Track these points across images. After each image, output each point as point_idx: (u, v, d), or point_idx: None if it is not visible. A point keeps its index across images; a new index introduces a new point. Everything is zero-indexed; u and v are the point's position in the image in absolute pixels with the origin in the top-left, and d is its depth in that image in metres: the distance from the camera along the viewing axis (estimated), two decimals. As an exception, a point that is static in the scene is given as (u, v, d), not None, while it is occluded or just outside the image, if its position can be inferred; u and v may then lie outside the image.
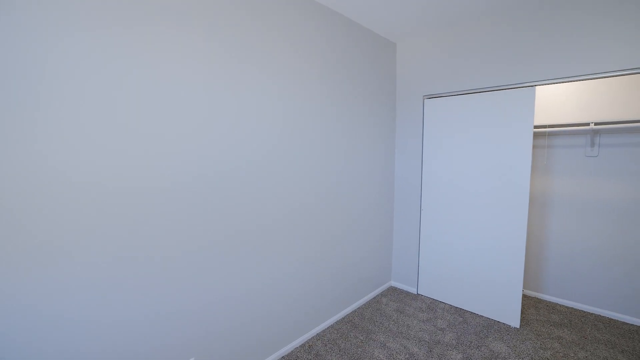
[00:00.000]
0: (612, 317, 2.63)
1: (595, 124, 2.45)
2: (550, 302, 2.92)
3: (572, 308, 2.81)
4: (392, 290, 3.25)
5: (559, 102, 2.78)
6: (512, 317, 2.56)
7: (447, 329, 2.55)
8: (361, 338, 2.44)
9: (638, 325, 2.52)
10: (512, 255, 2.52)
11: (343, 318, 2.72)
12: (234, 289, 1.88)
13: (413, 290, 3.18)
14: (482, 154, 2.62)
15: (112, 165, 1.34)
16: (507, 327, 2.55)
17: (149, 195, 1.46)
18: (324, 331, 2.53)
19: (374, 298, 3.08)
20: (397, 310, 2.85)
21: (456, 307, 2.88)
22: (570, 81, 2.19)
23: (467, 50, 2.64)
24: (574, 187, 2.73)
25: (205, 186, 1.68)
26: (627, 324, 2.55)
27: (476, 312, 2.76)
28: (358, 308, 2.88)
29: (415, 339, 2.43)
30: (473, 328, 2.55)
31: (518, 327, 2.54)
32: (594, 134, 2.58)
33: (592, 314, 2.71)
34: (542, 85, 2.32)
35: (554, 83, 2.26)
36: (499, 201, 2.55)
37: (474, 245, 2.73)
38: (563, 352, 2.23)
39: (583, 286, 2.75)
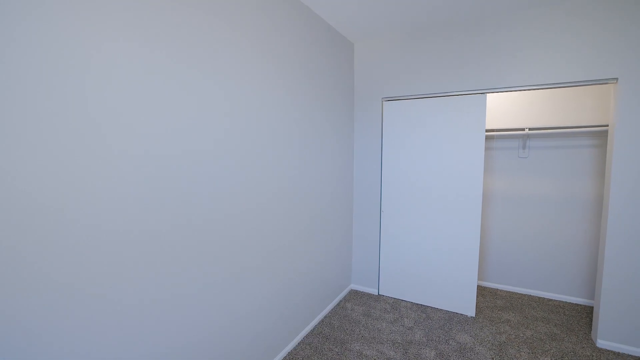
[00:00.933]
0: (540, 296, 3.05)
1: (530, 129, 2.80)
2: (492, 288, 3.26)
3: (510, 292, 3.17)
4: (354, 293, 3.21)
5: (501, 109, 3.11)
6: (468, 308, 2.75)
7: (415, 327, 2.61)
8: (336, 350, 2.32)
9: (561, 300, 2.97)
10: (467, 249, 2.71)
11: (312, 330, 2.56)
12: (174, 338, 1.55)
13: (374, 292, 3.19)
14: (440, 156, 2.75)
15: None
16: (465, 318, 2.73)
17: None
18: (295, 349, 2.33)
19: (339, 304, 2.99)
20: (364, 314, 2.81)
21: (418, 304, 2.98)
22: (512, 90, 2.44)
23: (425, 55, 2.74)
24: (509, 184, 3.09)
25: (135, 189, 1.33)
26: (552, 300, 2.99)
27: (436, 307, 2.90)
28: (325, 317, 2.75)
29: (388, 342, 2.41)
30: (437, 322, 2.66)
31: (474, 315, 2.74)
32: (525, 138, 2.95)
33: (525, 295, 3.11)
34: (492, 93, 2.54)
35: (500, 92, 2.49)
36: (455, 200, 2.72)
37: (432, 243, 2.86)
38: (515, 334, 2.48)
39: (517, 271, 3.13)
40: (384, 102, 2.98)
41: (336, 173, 2.85)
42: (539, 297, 3.05)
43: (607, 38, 2.13)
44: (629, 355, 2.20)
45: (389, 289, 3.12)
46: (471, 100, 2.58)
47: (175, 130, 1.36)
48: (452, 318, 2.73)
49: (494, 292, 3.17)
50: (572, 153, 2.83)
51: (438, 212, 2.80)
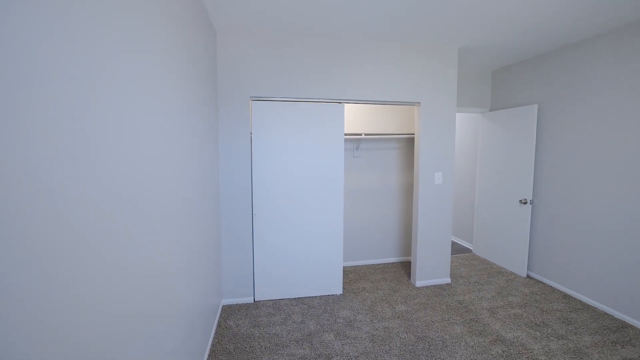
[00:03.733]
0: (373, 263, 3.97)
1: (365, 134, 3.58)
2: (346, 266, 3.90)
3: (357, 266, 3.92)
4: (229, 309, 2.92)
5: (347, 118, 3.74)
6: (337, 287, 3.19)
7: (304, 319, 2.74)
8: (250, 374, 2.08)
9: (385, 262, 4.01)
10: (334, 238, 3.13)
11: (210, 366, 2.15)
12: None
13: (249, 300, 3.03)
14: (308, 157, 3.00)
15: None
16: (337, 296, 3.15)
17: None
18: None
19: (219, 326, 2.63)
20: (253, 325, 2.64)
21: (296, 298, 3.12)
22: (361, 103, 3.07)
23: (296, 59, 2.89)
24: (348, 179, 3.80)
25: None
26: (381, 264, 3.98)
27: (312, 295, 3.15)
28: (214, 345, 2.37)
29: (291, 342, 2.42)
30: (319, 308, 2.92)
31: (342, 293, 3.21)
32: (358, 142, 3.74)
33: (365, 265, 3.95)
34: (348, 103, 3.07)
35: (353, 103, 3.06)
36: (322, 197, 3.06)
37: (304, 238, 3.08)
38: (372, 296, 3.14)
39: (357, 248, 3.92)
40: (253, 102, 2.88)
41: (194, 180, 2.02)
42: (374, 264, 3.97)
43: (417, 75, 3.11)
44: (432, 285, 3.35)
45: (265, 293, 3.07)
46: (333, 108, 3.00)
47: None
48: (328, 300, 3.08)
49: (348, 270, 3.82)
50: (387, 153, 3.88)
51: (308, 209, 3.05)
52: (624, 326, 2.59)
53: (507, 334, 2.51)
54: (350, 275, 3.67)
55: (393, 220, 4.00)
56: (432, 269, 3.37)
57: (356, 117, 3.76)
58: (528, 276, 3.57)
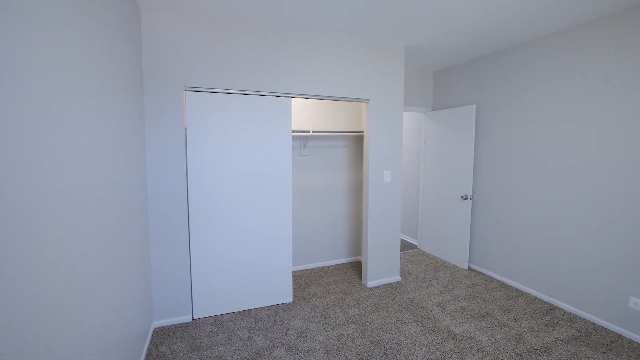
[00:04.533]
0: (324, 266, 3.83)
1: (313, 131, 3.41)
2: (295, 270, 3.68)
3: (307, 270, 3.73)
4: (162, 332, 2.51)
5: (294, 114, 3.52)
6: (287, 295, 2.97)
7: (253, 335, 2.48)
8: (187, 410, 1.76)
9: (336, 264, 3.89)
10: (283, 242, 2.90)
11: (135, 408, 1.77)
12: None
13: (187, 319, 2.66)
14: (252, 155, 2.73)
15: None
16: (287, 305, 2.93)
17: None
18: None
19: (150, 354, 2.24)
20: (192, 349, 2.30)
21: (241, 312, 2.82)
22: (309, 97, 2.90)
23: (236, 48, 2.59)
24: (296, 179, 3.60)
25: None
26: (332, 265, 3.85)
27: (259, 306, 2.88)
28: (144, 380, 1.98)
29: (239, 364, 2.14)
30: (268, 321, 2.68)
31: (292, 300, 3.00)
32: (306, 139, 3.56)
33: (316, 268, 3.78)
34: (295, 97, 2.86)
35: (301, 97, 2.87)
36: (268, 199, 2.81)
37: (249, 245, 2.80)
38: (325, 301, 2.98)
39: (305, 251, 3.74)
40: (187, 93, 2.52)
41: (110, 185, 1.57)
42: (324, 266, 3.82)
43: (366, 71, 3.03)
44: (384, 285, 3.31)
45: (205, 309, 2.72)
46: (280, 102, 2.77)
47: None
48: (277, 310, 2.84)
49: (298, 274, 3.61)
50: (335, 152, 3.77)
51: (254, 211, 2.78)
52: (552, 308, 2.82)
53: (457, 328, 2.55)
54: (301, 280, 3.48)
55: (343, 220, 3.91)
56: (382, 268, 3.33)
57: (303, 114, 3.58)
58: (469, 268, 3.76)
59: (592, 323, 2.59)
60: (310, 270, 3.74)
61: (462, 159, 3.69)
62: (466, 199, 3.64)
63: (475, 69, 3.59)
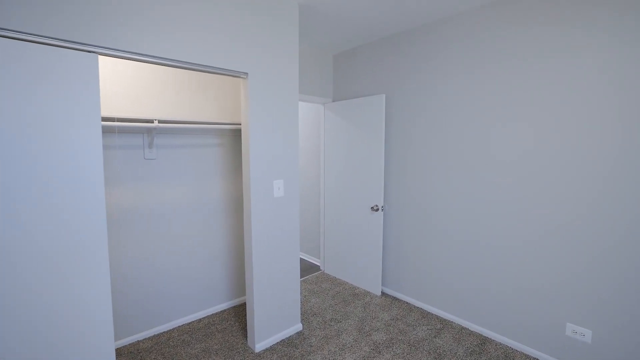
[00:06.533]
0: (192, 321, 2.57)
1: (160, 121, 2.15)
2: (141, 340, 2.30)
3: (163, 333, 2.39)
4: None
5: (123, 91, 2.14)
6: (109, 407, 1.65)
7: None
8: None
9: (211, 314, 2.68)
10: (88, 305, 1.58)
11: None
12: None
13: None
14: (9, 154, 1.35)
15: None
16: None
17: None
18: None
19: None
20: None
21: None
22: (139, 59, 1.65)
23: None
24: (137, 196, 2.27)
25: None
26: (204, 318, 2.62)
27: None
28: None
29: None
30: None
31: None
32: (152, 134, 2.26)
33: (178, 327, 2.48)
34: (108, 55, 1.57)
35: (121, 56, 1.60)
36: (51, 235, 1.46)
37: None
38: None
39: (162, 302, 2.43)
40: None
41: None
42: (193, 322, 2.56)
43: (245, 33, 1.95)
44: (279, 343, 2.30)
45: None
46: (73, 62, 1.45)
47: None
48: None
49: (136, 349, 2.25)
50: (205, 153, 2.57)
51: (22, 264, 1.39)
52: (484, 341, 2.32)
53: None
54: (143, 344, 2.17)
55: (219, 250, 2.74)
56: (277, 318, 2.33)
57: (145, 93, 2.28)
58: (383, 293, 3.10)
59: (528, 356, 2.17)
60: (169, 333, 2.44)
61: (370, 161, 3.01)
62: (377, 210, 2.97)
63: (384, 51, 2.95)
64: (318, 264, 3.86)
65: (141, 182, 2.28)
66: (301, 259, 4.06)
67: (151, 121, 2.13)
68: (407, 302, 2.91)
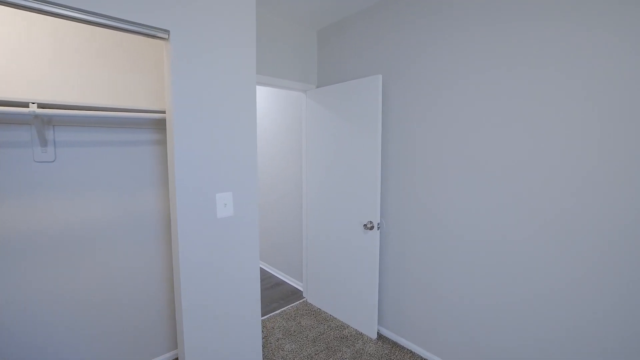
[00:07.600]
0: None
1: (57, 106, 1.47)
2: None
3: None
4: None
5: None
6: None
7: None
8: None
9: (143, 372, 1.99)
10: None
11: None
12: None
13: None
14: None
15: None
16: None
17: None
18: None
19: None
20: None
21: None
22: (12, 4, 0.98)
23: None
24: (28, 213, 1.59)
25: None
26: None
27: None
28: None
29: None
30: None
31: None
32: (47, 124, 1.58)
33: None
34: None
35: None
36: None
37: None
38: None
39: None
40: None
41: None
42: None
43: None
44: None
45: None
46: None
47: None
48: None
49: None
50: (133, 152, 1.89)
51: None
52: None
53: None
54: None
55: (153, 281, 2.05)
56: (227, 388, 1.63)
57: (26, 62, 1.59)
58: (379, 336, 2.40)
59: None
60: (81, 403, 1.75)
61: (363, 164, 2.31)
62: (371, 228, 2.27)
63: (380, 18, 2.26)
64: (300, 288, 3.16)
65: (31, 195, 1.60)
66: (281, 283, 3.36)
67: (42, 105, 1.44)
68: (410, 351, 2.21)
